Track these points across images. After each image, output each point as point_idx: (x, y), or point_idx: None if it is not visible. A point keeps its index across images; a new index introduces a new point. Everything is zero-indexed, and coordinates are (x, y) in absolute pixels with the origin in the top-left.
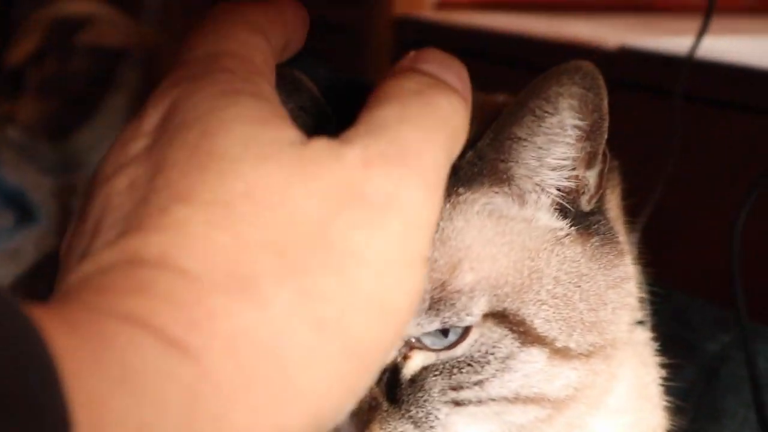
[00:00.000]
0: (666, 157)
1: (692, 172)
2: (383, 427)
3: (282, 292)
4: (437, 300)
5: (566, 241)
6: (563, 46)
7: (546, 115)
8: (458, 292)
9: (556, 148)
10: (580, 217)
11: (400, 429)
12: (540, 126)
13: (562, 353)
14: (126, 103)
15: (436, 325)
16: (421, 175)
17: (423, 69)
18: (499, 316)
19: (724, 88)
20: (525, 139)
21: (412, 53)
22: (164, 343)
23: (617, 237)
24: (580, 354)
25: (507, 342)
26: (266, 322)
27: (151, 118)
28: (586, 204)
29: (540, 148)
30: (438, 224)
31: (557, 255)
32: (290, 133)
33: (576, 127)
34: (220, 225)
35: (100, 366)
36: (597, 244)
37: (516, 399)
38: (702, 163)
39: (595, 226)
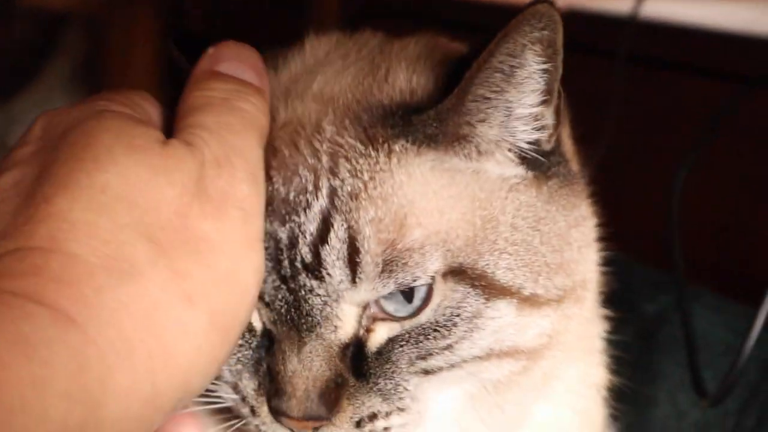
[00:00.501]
0: (607, 120)
1: (632, 134)
2: (351, 402)
3: (155, 271)
4: (389, 261)
5: (521, 187)
6: (507, 7)
7: (515, 69)
8: (408, 250)
9: (526, 98)
10: (537, 161)
11: (368, 403)
12: (510, 82)
13: (531, 301)
14: (69, 67)
15: (391, 287)
16: (247, 172)
17: (223, 72)
18: (458, 273)
19: (667, 49)
20: (494, 98)
21: (210, 50)
22: (54, 314)
23: (575, 177)
24: (550, 300)
25: (471, 300)
26: (144, 296)
27: (35, 130)
28: (546, 143)
29: (510, 101)
30: (373, 181)
31: (512, 202)
32: (156, 132)
33: (542, 71)
34: (99, 210)
35: None
36: (555, 186)
37: (489, 355)
38: (642, 126)
39: (555, 168)
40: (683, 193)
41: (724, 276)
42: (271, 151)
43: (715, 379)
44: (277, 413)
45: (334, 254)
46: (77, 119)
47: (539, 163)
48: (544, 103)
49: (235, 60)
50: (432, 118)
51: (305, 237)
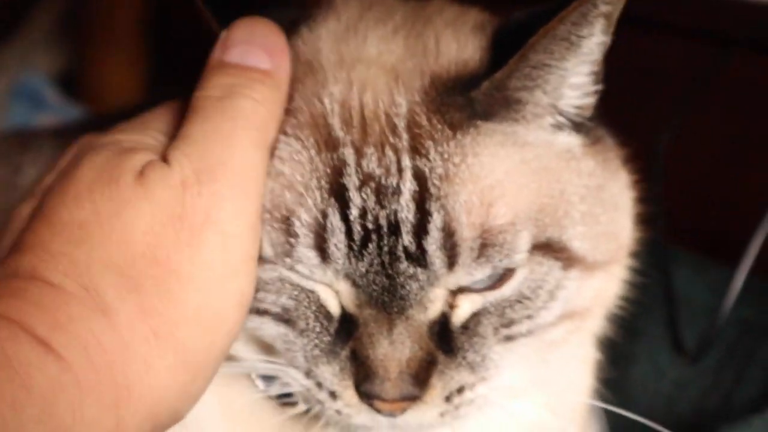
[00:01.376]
0: None
1: (615, 96)
2: (441, 378)
3: (124, 306)
4: (484, 245)
5: (580, 155)
6: None
7: (582, 39)
8: (502, 231)
9: (583, 67)
10: (587, 127)
11: (457, 377)
12: (575, 51)
13: (591, 267)
14: (50, 19)
15: (488, 271)
16: (232, 185)
17: (228, 62)
18: (543, 247)
19: (649, 10)
20: (555, 66)
21: (222, 35)
22: (34, 340)
23: (613, 143)
24: (604, 263)
25: (555, 272)
26: (112, 330)
27: (66, 156)
28: (590, 110)
29: (566, 70)
30: (459, 164)
31: (578, 171)
32: (138, 159)
33: (602, 42)
34: (77, 244)
35: None
36: (603, 152)
37: (557, 321)
38: (626, 87)
39: (599, 133)
40: (665, 155)
41: (705, 237)
42: (343, 118)
43: (695, 338)
44: (369, 397)
45: (434, 242)
46: (82, 151)
47: (588, 128)
48: (594, 72)
49: (245, 43)
50: (492, 87)
51: (406, 225)
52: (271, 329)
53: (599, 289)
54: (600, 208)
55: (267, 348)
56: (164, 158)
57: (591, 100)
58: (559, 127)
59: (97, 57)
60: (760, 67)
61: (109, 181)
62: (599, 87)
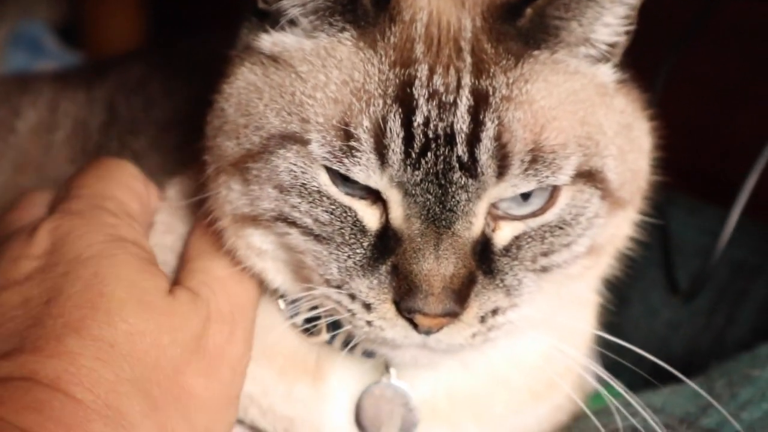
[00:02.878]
0: None
1: None
2: (479, 298)
3: (144, 425)
4: (533, 160)
5: (613, 92)
6: None
7: None
8: (552, 151)
9: (619, 8)
10: (618, 66)
11: (493, 298)
12: None
13: (616, 204)
14: None
15: (533, 185)
16: (244, 330)
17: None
18: (587, 175)
19: None
20: (592, 1)
21: None
22: None
23: (637, 88)
24: (625, 203)
25: (595, 201)
26: None
27: (42, 243)
28: (621, 51)
29: (603, 8)
30: (521, 87)
31: (611, 108)
32: (162, 282)
33: None
34: (106, 362)
35: None
36: (631, 93)
37: (584, 253)
38: None
39: (628, 73)
40: (664, 94)
41: (699, 179)
42: (425, 42)
43: (688, 279)
44: (410, 311)
45: (486, 150)
46: (89, 247)
47: (618, 68)
48: (629, 15)
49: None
50: (534, 16)
51: (461, 135)
52: (302, 243)
53: (617, 227)
54: (629, 146)
55: (298, 270)
56: (181, 280)
57: (623, 40)
58: (595, 60)
59: (96, 6)
60: (755, 9)
61: (145, 303)
62: (633, 28)
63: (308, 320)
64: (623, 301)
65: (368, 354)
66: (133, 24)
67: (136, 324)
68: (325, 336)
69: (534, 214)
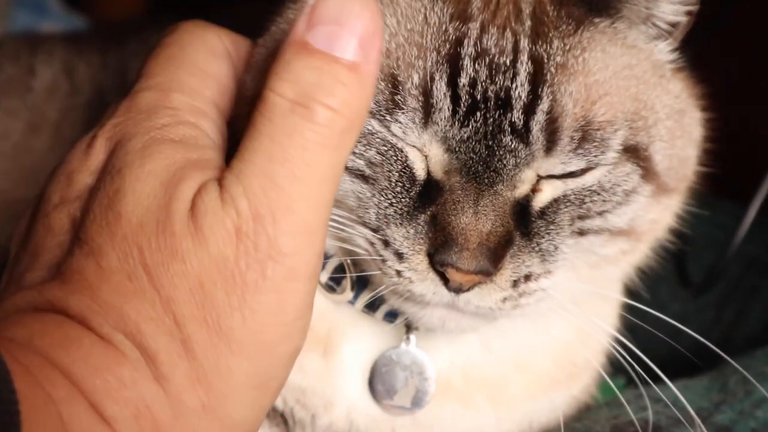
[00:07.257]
0: None
1: None
2: (513, 260)
3: (175, 374)
4: (583, 138)
5: (670, 75)
6: None
7: None
8: (600, 128)
9: None
10: (676, 48)
11: (528, 262)
12: None
13: (661, 189)
14: None
15: (582, 164)
16: (295, 234)
17: (312, 45)
18: (631, 150)
19: None
20: None
21: (311, 2)
22: (90, 408)
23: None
24: (668, 190)
25: (634, 176)
26: (163, 400)
27: (99, 154)
28: (682, 33)
29: None
30: (578, 56)
31: (666, 90)
32: (189, 188)
33: None
34: (126, 296)
35: (47, 426)
36: (687, 80)
37: (620, 232)
38: None
39: (683, 63)
40: None
41: (715, 174)
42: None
43: (699, 272)
44: (442, 265)
45: (538, 123)
46: (125, 155)
47: (675, 51)
48: None
49: (333, 23)
50: None
51: (519, 102)
52: (346, 184)
53: (659, 214)
54: (680, 131)
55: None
56: (221, 178)
57: (684, 20)
58: (655, 37)
59: None
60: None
61: (157, 226)
62: (695, 8)
63: (332, 279)
64: (630, 293)
65: (391, 316)
66: None
67: (148, 252)
68: (349, 294)
69: (573, 174)
